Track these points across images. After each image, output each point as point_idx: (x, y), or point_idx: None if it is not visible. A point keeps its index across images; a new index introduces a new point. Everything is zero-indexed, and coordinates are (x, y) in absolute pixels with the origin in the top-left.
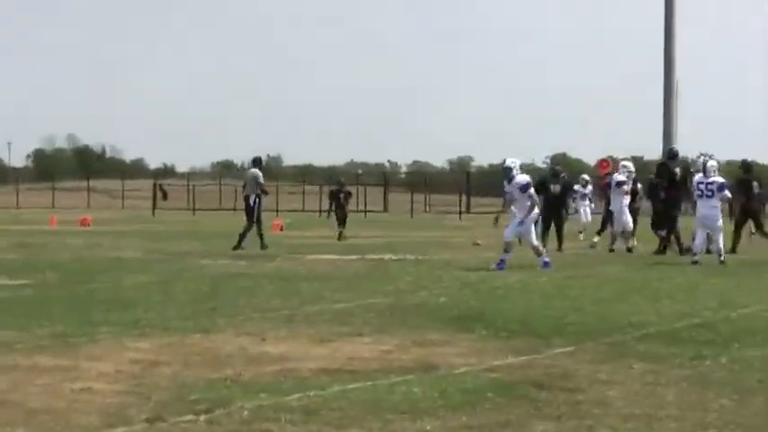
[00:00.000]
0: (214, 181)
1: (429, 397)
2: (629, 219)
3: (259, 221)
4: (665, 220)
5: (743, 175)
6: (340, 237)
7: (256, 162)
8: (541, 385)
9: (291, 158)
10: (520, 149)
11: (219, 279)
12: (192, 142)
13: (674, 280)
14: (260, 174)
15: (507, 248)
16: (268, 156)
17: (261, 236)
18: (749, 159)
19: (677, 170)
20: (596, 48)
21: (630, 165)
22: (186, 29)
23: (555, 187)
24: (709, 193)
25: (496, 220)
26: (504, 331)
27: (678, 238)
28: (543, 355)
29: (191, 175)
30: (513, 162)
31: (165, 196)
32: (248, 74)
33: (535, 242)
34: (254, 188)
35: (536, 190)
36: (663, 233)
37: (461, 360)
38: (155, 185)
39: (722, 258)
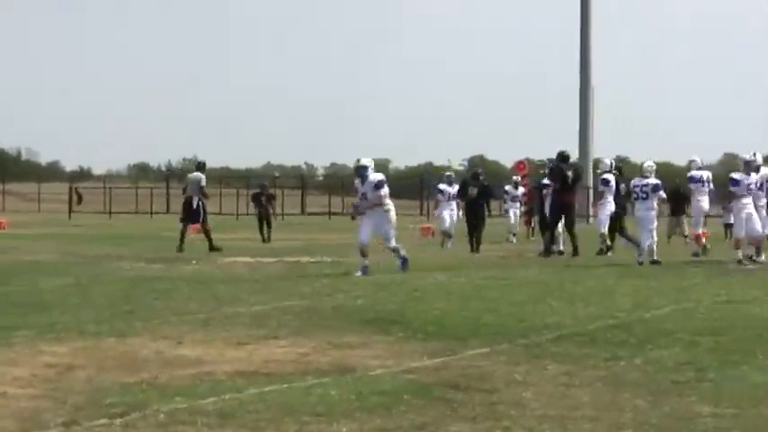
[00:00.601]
0: (130, 184)
1: (345, 399)
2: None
3: (202, 223)
4: (551, 222)
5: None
6: (266, 239)
7: (200, 166)
8: (458, 386)
9: (208, 161)
10: (437, 151)
11: (136, 282)
12: (108, 144)
13: (589, 282)
14: (203, 177)
15: (364, 252)
16: (184, 159)
17: (182, 238)
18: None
19: (569, 173)
20: (513, 48)
21: None
22: (100, 29)
23: (473, 190)
24: (644, 195)
25: (353, 217)
26: (421, 333)
27: (552, 240)
28: (459, 357)
29: (107, 178)
30: (368, 161)
31: (80, 199)
32: (163, 74)
33: (392, 244)
34: (197, 191)
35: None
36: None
37: (378, 362)
38: (71, 188)
39: (641, 260)
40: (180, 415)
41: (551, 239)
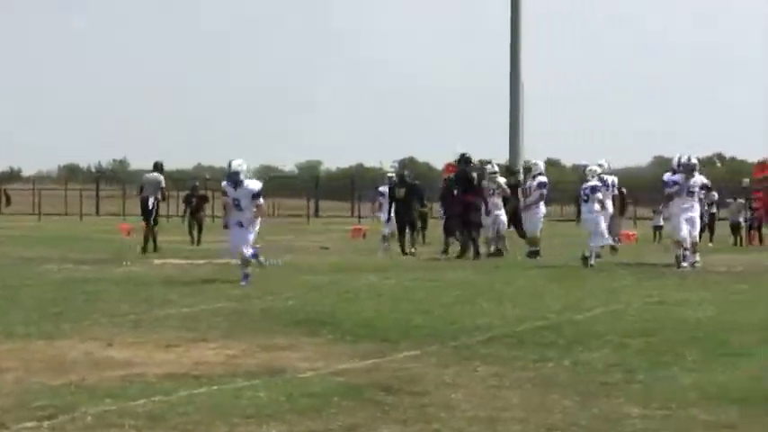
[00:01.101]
0: (60, 185)
1: (275, 401)
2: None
3: (156, 223)
4: (458, 225)
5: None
6: (195, 242)
7: (158, 167)
8: (388, 389)
9: (138, 162)
10: (369, 153)
11: (66, 284)
12: (38, 145)
13: (519, 283)
14: (162, 178)
15: (245, 262)
16: (114, 161)
17: (154, 239)
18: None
19: (474, 175)
20: (445, 49)
21: (494, 167)
22: (23, 29)
23: (400, 191)
24: (585, 198)
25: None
26: (351, 334)
27: (475, 242)
28: (390, 359)
29: (36, 179)
30: (240, 165)
31: (8, 201)
32: (91, 75)
33: (248, 252)
34: (156, 191)
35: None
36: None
37: (307, 364)
38: None
39: (586, 256)
40: (109, 417)
41: (474, 241)
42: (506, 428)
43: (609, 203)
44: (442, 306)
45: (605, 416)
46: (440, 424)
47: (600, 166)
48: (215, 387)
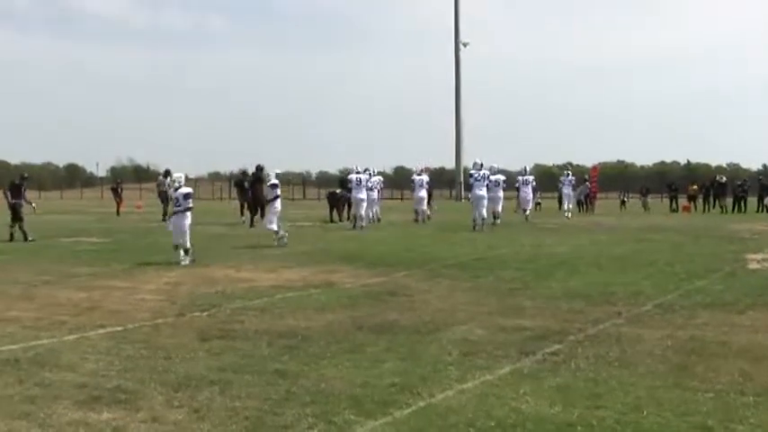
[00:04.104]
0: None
1: (329, 300)
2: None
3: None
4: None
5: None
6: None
7: (167, 173)
8: (392, 293)
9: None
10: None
11: (215, 236)
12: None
13: (460, 235)
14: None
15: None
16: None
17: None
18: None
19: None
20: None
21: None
22: None
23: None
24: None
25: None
26: (370, 263)
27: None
28: (392, 277)
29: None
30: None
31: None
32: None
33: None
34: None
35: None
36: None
37: (347, 280)
38: None
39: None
40: (239, 310)
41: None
42: (458, 314)
43: (484, 190)
44: (420, 247)
45: (512, 306)
46: (421, 312)
47: (474, 163)
48: (297, 293)
